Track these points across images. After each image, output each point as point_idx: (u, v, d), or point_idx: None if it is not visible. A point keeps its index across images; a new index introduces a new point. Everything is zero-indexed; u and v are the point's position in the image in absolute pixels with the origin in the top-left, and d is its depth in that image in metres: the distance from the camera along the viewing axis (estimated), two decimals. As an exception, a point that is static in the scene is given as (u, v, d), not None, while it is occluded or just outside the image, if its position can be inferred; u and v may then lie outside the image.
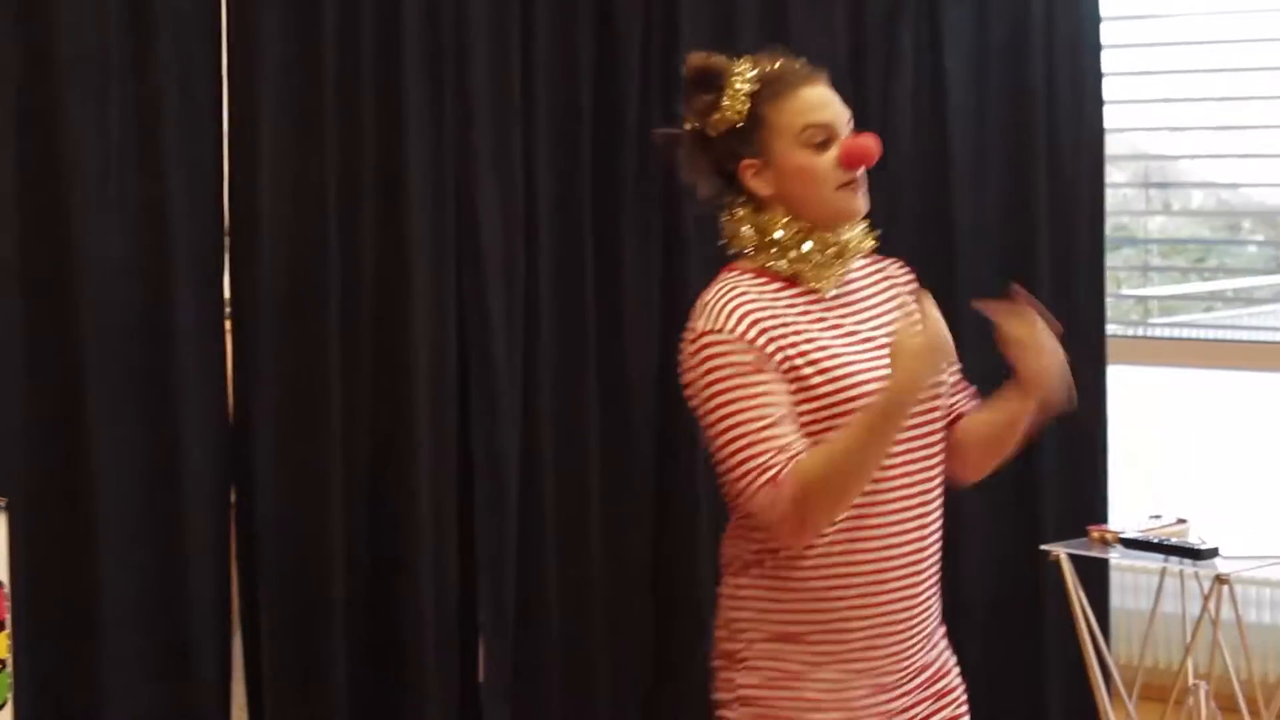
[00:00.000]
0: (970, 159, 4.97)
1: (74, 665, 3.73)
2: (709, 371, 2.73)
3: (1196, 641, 4.60)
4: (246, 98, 3.89)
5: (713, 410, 2.72)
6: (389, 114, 4.09)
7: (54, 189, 3.68)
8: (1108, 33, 5.96)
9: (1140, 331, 6.37)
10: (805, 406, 2.73)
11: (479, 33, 4.23)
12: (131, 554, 3.80)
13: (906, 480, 2.80)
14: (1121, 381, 5.75)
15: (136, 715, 3.81)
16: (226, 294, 3.98)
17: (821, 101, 2.79)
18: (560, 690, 4.50)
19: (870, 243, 2.87)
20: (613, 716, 4.60)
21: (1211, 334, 6.51)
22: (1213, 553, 4.43)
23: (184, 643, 3.83)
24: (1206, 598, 4.47)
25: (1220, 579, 4.38)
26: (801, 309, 2.79)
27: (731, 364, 2.72)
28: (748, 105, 2.79)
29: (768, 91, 2.79)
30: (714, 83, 2.82)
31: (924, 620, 2.86)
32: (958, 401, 2.93)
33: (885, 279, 2.93)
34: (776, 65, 2.83)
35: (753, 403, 2.69)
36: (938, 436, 2.85)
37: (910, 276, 2.96)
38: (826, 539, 2.75)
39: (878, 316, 2.85)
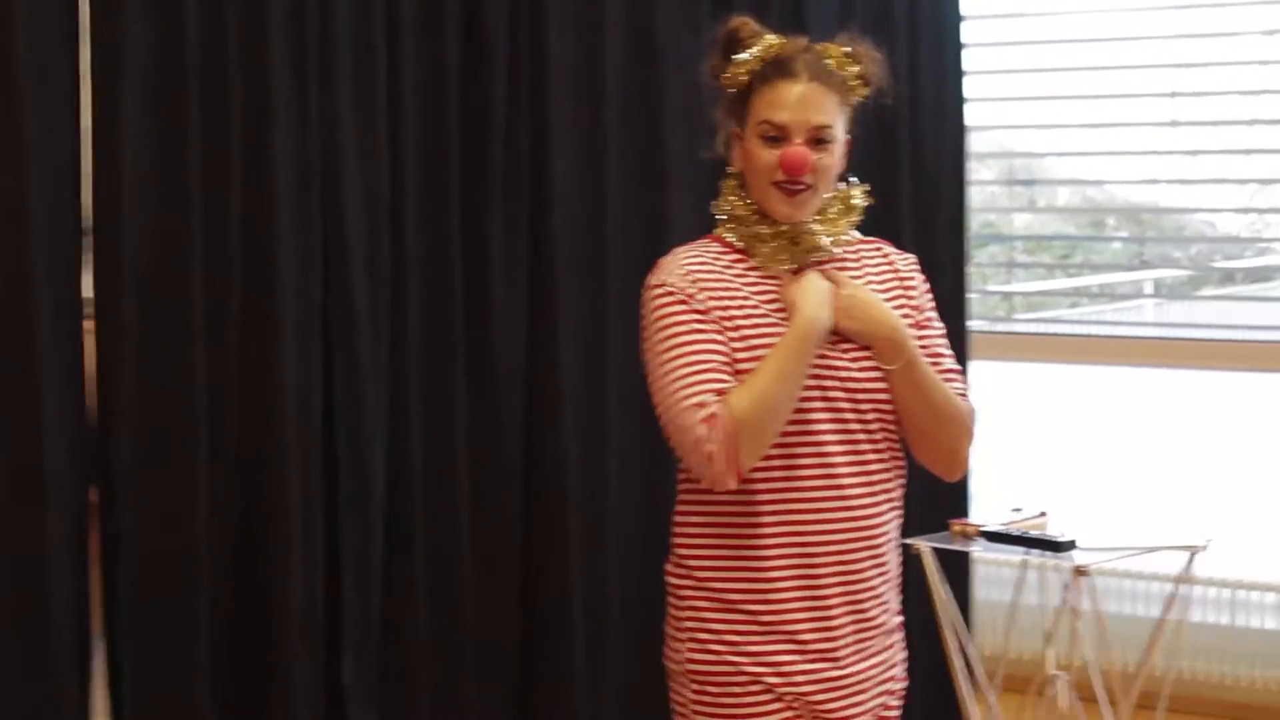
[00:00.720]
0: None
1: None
2: (654, 321, 2.89)
3: (1056, 632, 4.67)
4: (109, 95, 3.84)
5: (651, 357, 2.88)
6: (255, 113, 4.06)
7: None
8: (973, 31, 6.04)
9: (1005, 327, 6.46)
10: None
11: (344, 30, 4.20)
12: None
13: (838, 457, 2.91)
14: (985, 376, 5.84)
15: (-7, 723, 3.76)
16: (89, 293, 3.93)
17: (792, 101, 2.89)
18: (428, 694, 4.49)
19: (840, 238, 2.97)
20: (482, 717, 4.59)
21: (1075, 329, 6.60)
22: (1071, 545, 4.50)
23: (43, 649, 3.78)
24: (1066, 589, 4.54)
25: (1079, 571, 4.45)
26: (751, 281, 2.92)
27: (669, 314, 2.87)
28: (747, 79, 2.93)
29: (761, 73, 2.92)
30: (729, 46, 2.97)
31: (866, 601, 2.96)
32: None
33: (880, 272, 3.02)
34: (791, 51, 2.94)
35: (686, 351, 2.83)
36: (871, 414, 2.94)
37: (914, 274, 3.06)
38: (763, 501, 2.87)
39: None
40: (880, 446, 2.97)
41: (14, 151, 3.68)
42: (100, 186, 3.86)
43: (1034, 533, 4.57)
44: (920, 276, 3.08)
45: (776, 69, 2.91)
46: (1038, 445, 6.18)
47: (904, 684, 3.13)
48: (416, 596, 4.43)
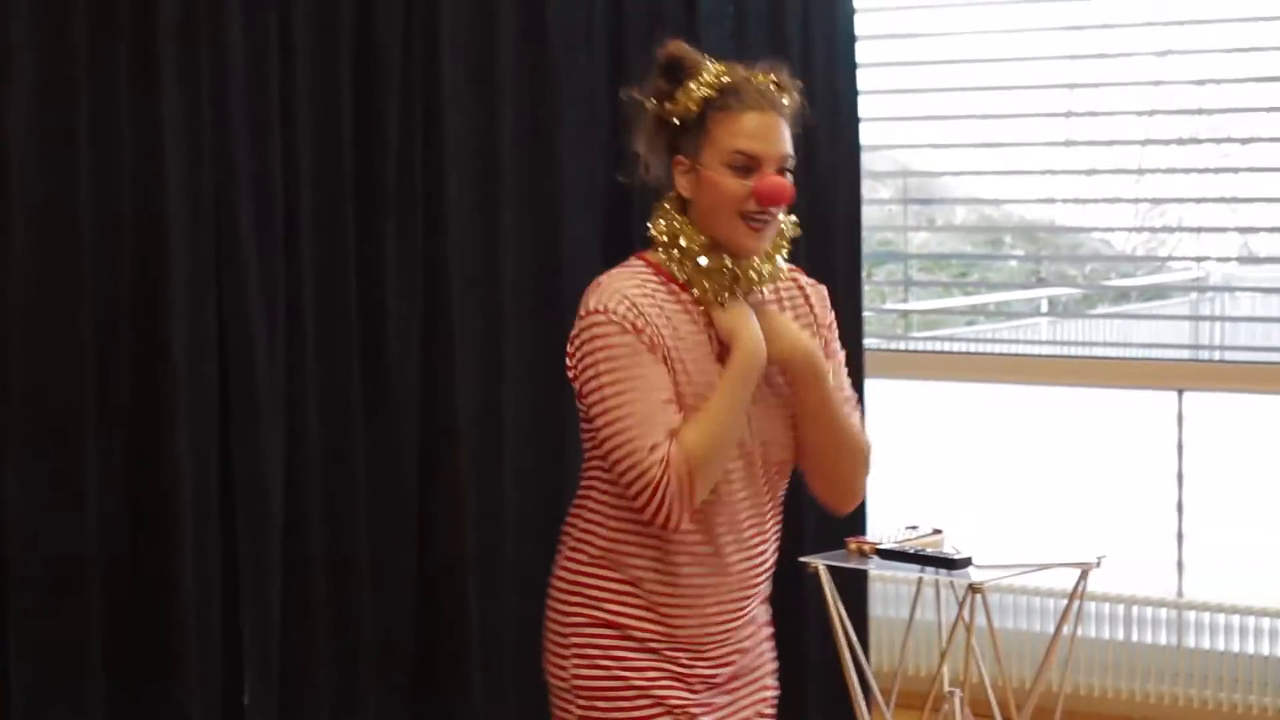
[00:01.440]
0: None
1: None
2: (595, 354, 2.84)
3: (951, 649, 4.70)
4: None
5: (597, 390, 2.84)
6: (145, 129, 4.03)
7: None
8: (870, 52, 6.08)
9: (903, 345, 6.50)
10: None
11: (236, 43, 4.17)
12: None
13: (743, 503, 2.94)
14: (881, 394, 5.87)
15: None
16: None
17: (762, 131, 2.86)
18: (327, 706, 4.46)
19: (774, 273, 2.95)
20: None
21: (971, 347, 6.66)
22: (966, 562, 4.52)
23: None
24: (961, 606, 4.56)
25: (974, 588, 4.47)
26: (684, 311, 2.90)
27: (617, 347, 2.83)
28: (699, 107, 2.87)
29: (720, 101, 2.87)
30: (677, 74, 2.90)
31: (747, 627, 3.03)
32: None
33: (794, 300, 3.03)
34: (740, 79, 2.89)
35: (636, 387, 2.81)
36: (774, 466, 2.99)
37: (824, 300, 3.08)
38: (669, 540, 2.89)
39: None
40: (776, 494, 3.03)
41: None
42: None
43: (929, 550, 4.59)
44: (829, 307, 3.10)
45: (737, 98, 2.87)
46: (934, 463, 6.22)
47: (776, 692, 3.15)
48: (315, 610, 4.40)
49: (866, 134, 5.71)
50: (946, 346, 6.57)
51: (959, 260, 7.85)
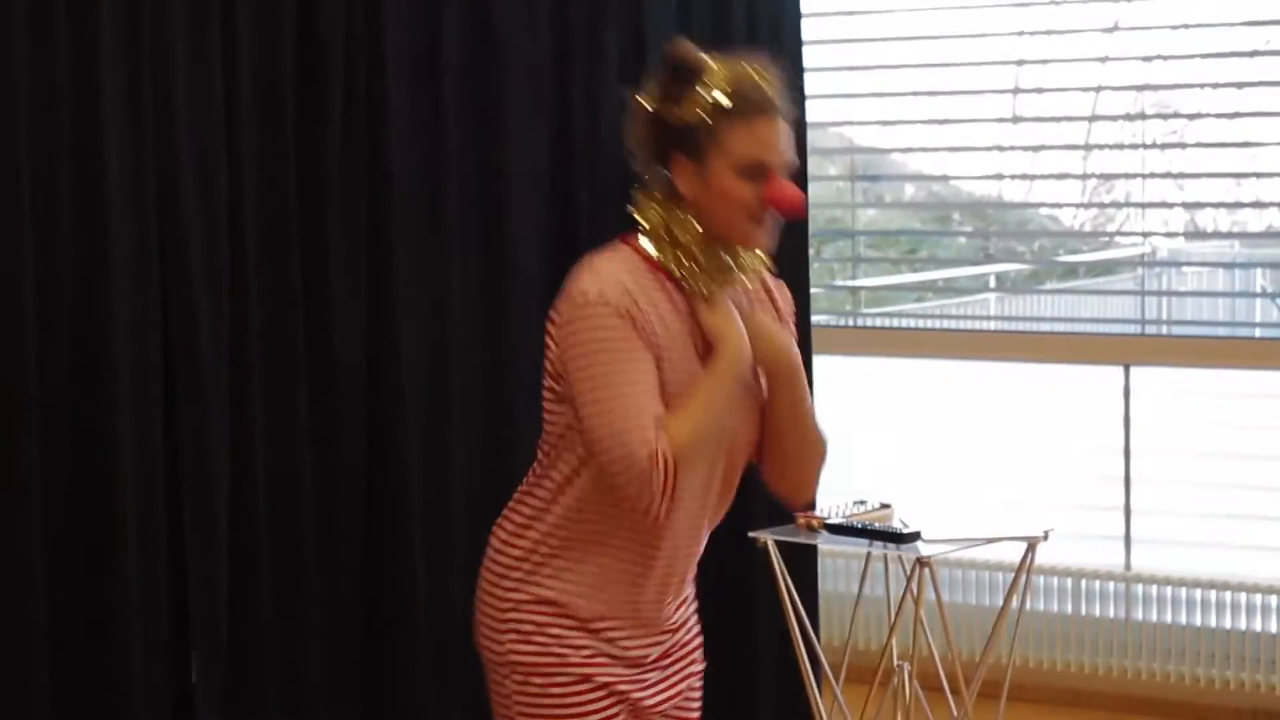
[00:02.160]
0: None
1: None
2: (585, 339, 2.84)
3: (899, 623, 4.71)
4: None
5: (586, 376, 2.83)
6: (86, 114, 4.00)
7: None
8: (818, 28, 6.08)
9: (852, 322, 6.51)
10: None
11: (178, 23, 4.15)
12: None
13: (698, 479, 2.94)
14: (830, 371, 5.88)
15: None
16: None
17: (773, 141, 2.87)
18: (276, 692, 4.45)
19: (757, 270, 2.99)
20: (331, 711, 4.56)
21: (920, 324, 6.68)
22: (914, 536, 4.54)
23: None
24: (909, 580, 4.58)
25: (921, 562, 4.49)
26: (674, 306, 2.90)
27: (609, 332, 2.83)
28: (704, 111, 2.86)
29: (730, 111, 2.85)
30: (686, 76, 2.89)
31: (680, 607, 3.09)
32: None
33: (762, 299, 3.04)
34: (748, 83, 2.87)
35: (625, 373, 2.81)
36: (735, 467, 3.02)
37: (789, 301, 3.12)
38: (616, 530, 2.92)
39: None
40: (729, 487, 3.04)
41: None
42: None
43: (878, 525, 4.61)
44: (791, 302, 3.13)
45: (750, 105, 2.86)
46: (882, 439, 6.23)
47: (703, 666, 3.19)
48: (261, 593, 4.38)
49: (814, 111, 5.71)
50: (895, 323, 6.58)
51: (907, 237, 7.87)
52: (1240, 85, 6.16)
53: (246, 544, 4.35)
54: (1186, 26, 5.95)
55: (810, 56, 5.61)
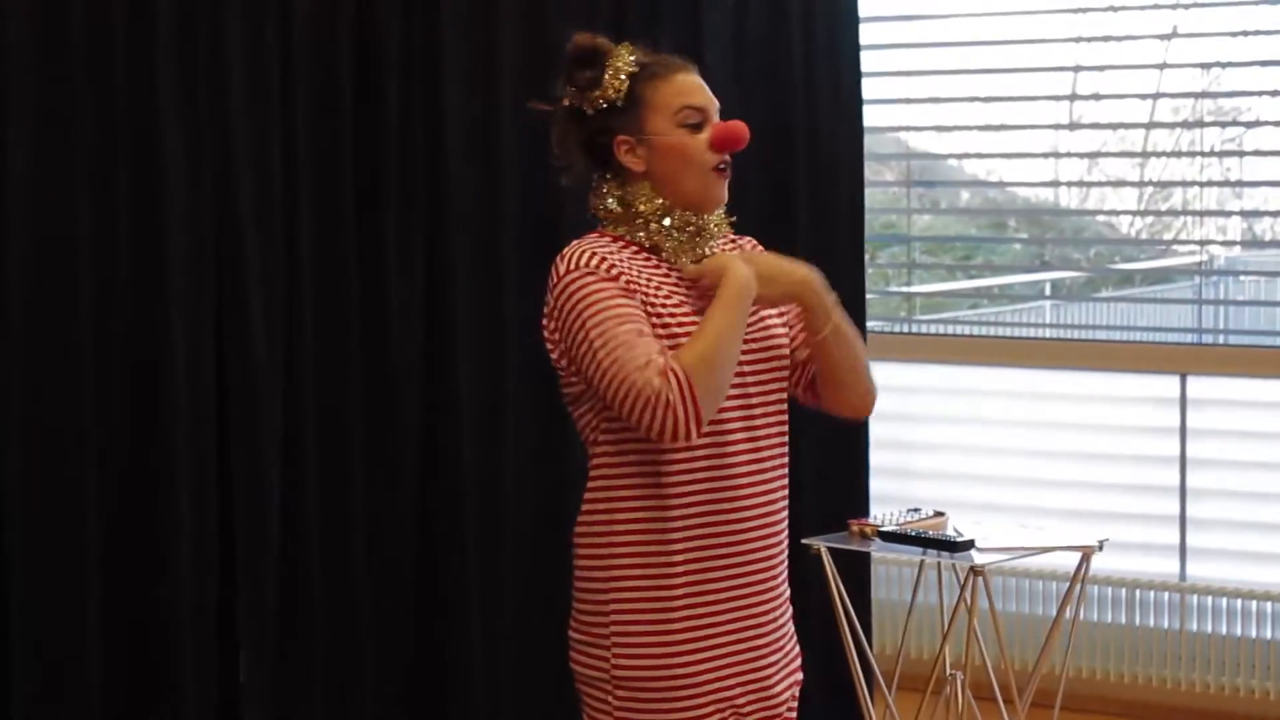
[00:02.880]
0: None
1: None
2: (576, 304, 2.86)
3: (952, 632, 4.69)
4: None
5: (584, 337, 2.84)
6: (142, 113, 4.02)
7: None
8: (876, 33, 6.07)
9: (905, 328, 6.49)
10: None
11: (235, 26, 4.16)
12: None
13: (753, 440, 2.95)
14: (884, 377, 5.86)
15: None
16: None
17: (696, 86, 2.97)
18: (324, 692, 4.46)
19: (726, 227, 3.02)
20: (377, 716, 4.57)
21: (975, 330, 6.64)
22: (968, 545, 4.52)
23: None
24: (962, 589, 4.56)
25: (975, 570, 4.47)
26: (657, 280, 2.92)
27: (596, 291, 2.85)
28: (627, 85, 2.95)
29: (646, 73, 2.96)
30: (595, 61, 2.97)
31: (779, 580, 3.02)
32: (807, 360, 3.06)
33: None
34: (649, 53, 2.99)
35: (621, 321, 2.82)
36: (780, 400, 3.01)
37: (752, 246, 3.10)
38: (689, 499, 2.89)
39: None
40: (777, 447, 3.02)
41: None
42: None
43: (931, 533, 4.59)
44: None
45: (663, 64, 2.97)
46: (937, 446, 6.20)
47: (799, 681, 3.13)
48: (312, 595, 4.40)
49: (871, 116, 5.69)
50: (950, 329, 6.55)
51: (962, 243, 7.84)
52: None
53: (297, 545, 4.37)
54: (1245, 33, 5.90)
55: (867, 61, 5.60)
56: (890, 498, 5.59)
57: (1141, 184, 7.15)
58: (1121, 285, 7.56)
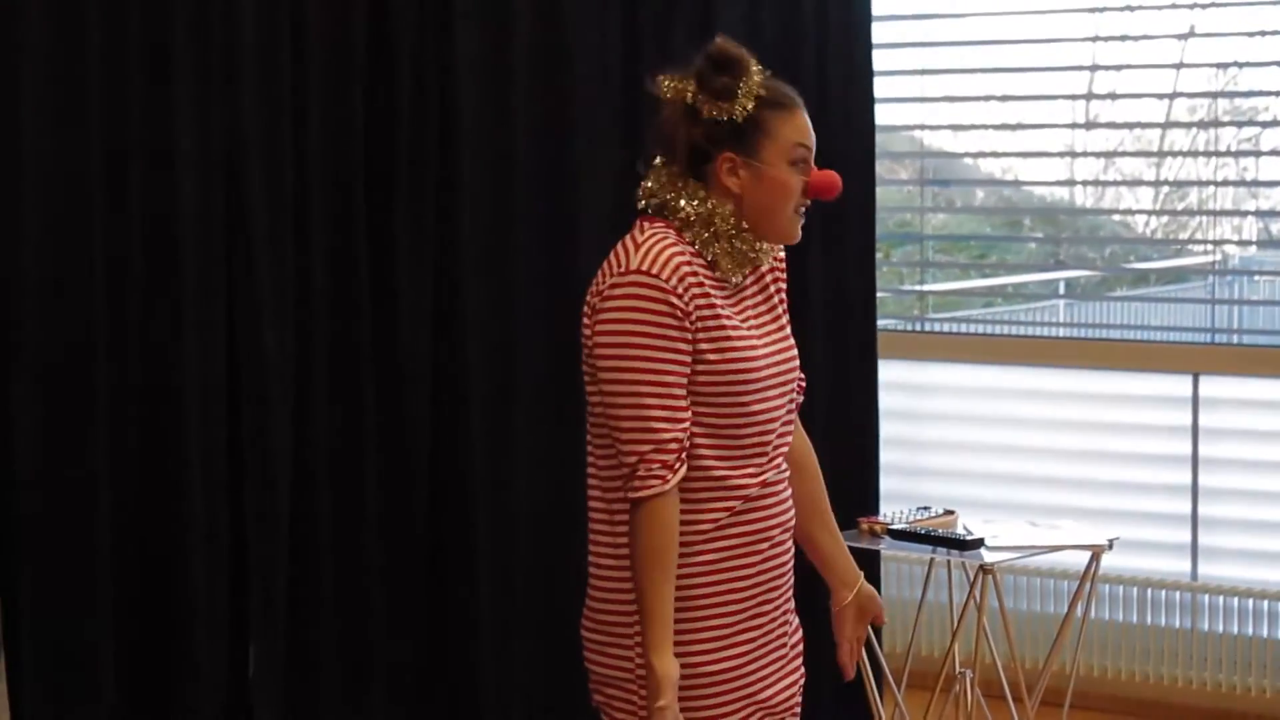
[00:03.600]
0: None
1: None
2: (632, 310, 2.85)
3: (962, 630, 4.70)
4: (5, 89, 3.80)
5: (624, 354, 2.85)
6: (156, 105, 4.04)
7: None
8: (890, 32, 6.07)
9: (919, 326, 6.49)
10: (699, 379, 2.88)
11: (247, 19, 4.18)
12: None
13: (780, 456, 3.02)
14: (897, 375, 5.87)
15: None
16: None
17: (808, 128, 2.99)
18: (335, 685, 4.47)
19: (775, 256, 3.06)
20: (385, 705, 4.58)
21: (988, 329, 6.64)
22: (978, 543, 4.53)
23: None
24: (972, 587, 4.57)
25: (985, 569, 4.48)
26: (714, 290, 2.93)
27: (657, 310, 2.85)
28: (754, 105, 2.93)
29: (772, 101, 2.95)
30: (733, 72, 2.94)
31: (790, 579, 3.07)
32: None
33: (777, 267, 3.10)
34: (776, 80, 2.98)
35: (666, 359, 2.84)
36: (792, 412, 3.08)
37: (784, 261, 3.13)
38: (714, 496, 2.92)
39: (758, 305, 3.03)
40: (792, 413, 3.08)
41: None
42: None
43: (941, 531, 4.60)
44: (784, 260, 3.16)
45: (789, 97, 2.97)
46: (948, 445, 6.21)
47: (804, 675, 3.17)
48: (323, 588, 4.41)
49: (885, 115, 5.69)
50: (963, 328, 6.55)
51: (977, 242, 7.84)
52: (1316, 94, 6.12)
53: (308, 540, 4.38)
54: (1263, 33, 5.89)
55: (881, 60, 5.60)
56: (900, 496, 5.60)
57: (1157, 183, 7.15)
58: (1136, 285, 7.56)
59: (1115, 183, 7.00)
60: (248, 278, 4.21)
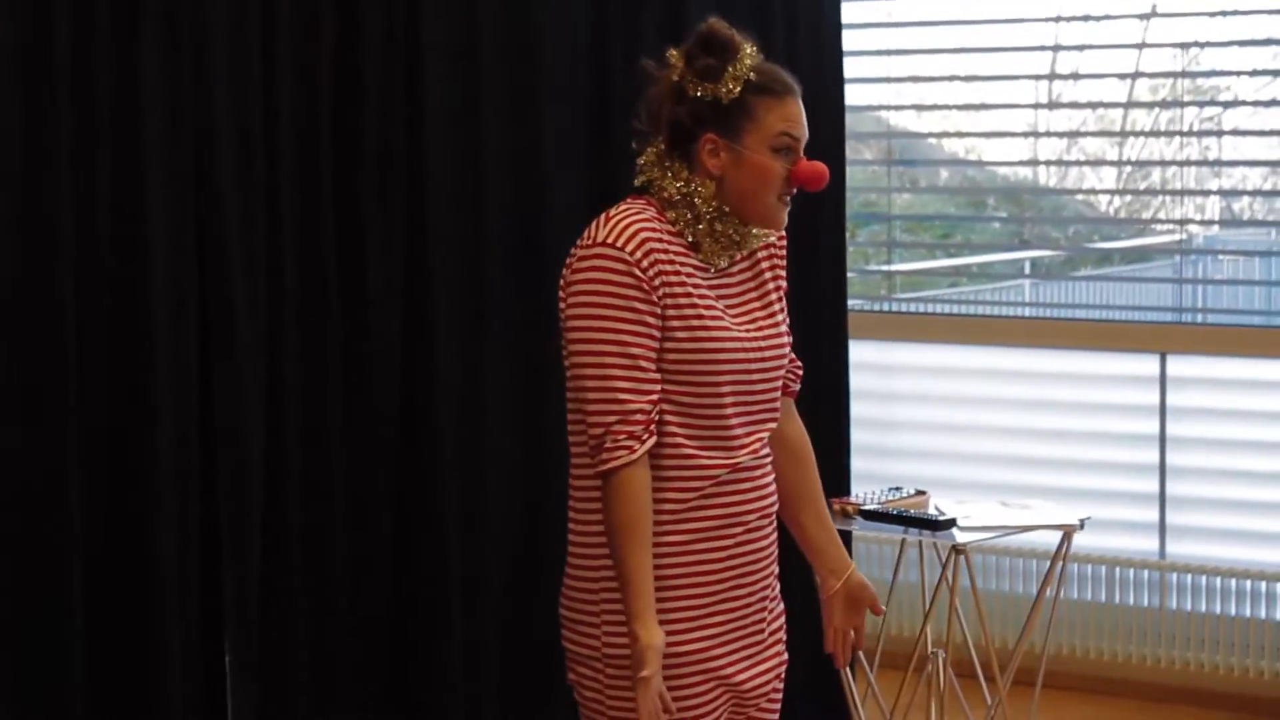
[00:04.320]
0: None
1: None
2: (597, 283, 2.86)
3: (934, 610, 4.70)
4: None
5: (587, 319, 2.86)
6: (125, 100, 4.01)
7: None
8: (854, 12, 6.06)
9: (885, 306, 6.49)
10: (668, 356, 2.88)
11: (217, 11, 4.15)
12: None
13: (757, 441, 3.00)
14: (864, 356, 5.86)
15: None
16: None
17: (799, 115, 2.96)
18: (309, 668, 4.45)
19: (763, 239, 3.03)
20: (359, 694, 4.56)
21: (955, 309, 6.65)
22: (950, 523, 4.53)
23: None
24: (944, 567, 4.57)
25: (957, 549, 4.48)
26: (689, 270, 2.92)
27: (620, 281, 2.85)
28: (740, 88, 2.91)
29: (761, 86, 2.93)
30: (723, 52, 2.94)
31: (772, 559, 3.07)
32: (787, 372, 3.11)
33: (762, 254, 3.07)
34: (770, 65, 2.96)
35: (629, 330, 2.84)
36: (778, 391, 3.06)
37: (784, 248, 3.13)
38: (686, 476, 2.91)
39: (747, 291, 3.02)
40: (771, 401, 3.05)
41: None
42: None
43: (913, 511, 4.60)
44: (783, 244, 3.15)
45: (781, 83, 2.95)
46: (917, 425, 6.21)
47: (785, 661, 3.15)
48: (293, 572, 4.39)
49: (850, 95, 5.68)
50: (930, 308, 6.56)
51: (942, 222, 7.84)
52: (1277, 73, 6.13)
53: (279, 532, 4.36)
54: (1224, 13, 5.91)
55: (845, 40, 5.59)
56: (871, 477, 5.60)
57: (1120, 163, 7.16)
58: (1100, 264, 7.58)
59: (1079, 162, 7.00)
60: (218, 272, 4.18)
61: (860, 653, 4.75)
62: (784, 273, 3.11)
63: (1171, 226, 6.65)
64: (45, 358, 3.90)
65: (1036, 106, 6.45)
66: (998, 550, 5.98)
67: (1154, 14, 6.05)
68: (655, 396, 2.85)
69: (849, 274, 5.71)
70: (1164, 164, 6.42)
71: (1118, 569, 5.93)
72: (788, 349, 3.07)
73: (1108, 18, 6.11)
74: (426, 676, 4.66)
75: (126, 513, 4.06)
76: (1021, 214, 7.19)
